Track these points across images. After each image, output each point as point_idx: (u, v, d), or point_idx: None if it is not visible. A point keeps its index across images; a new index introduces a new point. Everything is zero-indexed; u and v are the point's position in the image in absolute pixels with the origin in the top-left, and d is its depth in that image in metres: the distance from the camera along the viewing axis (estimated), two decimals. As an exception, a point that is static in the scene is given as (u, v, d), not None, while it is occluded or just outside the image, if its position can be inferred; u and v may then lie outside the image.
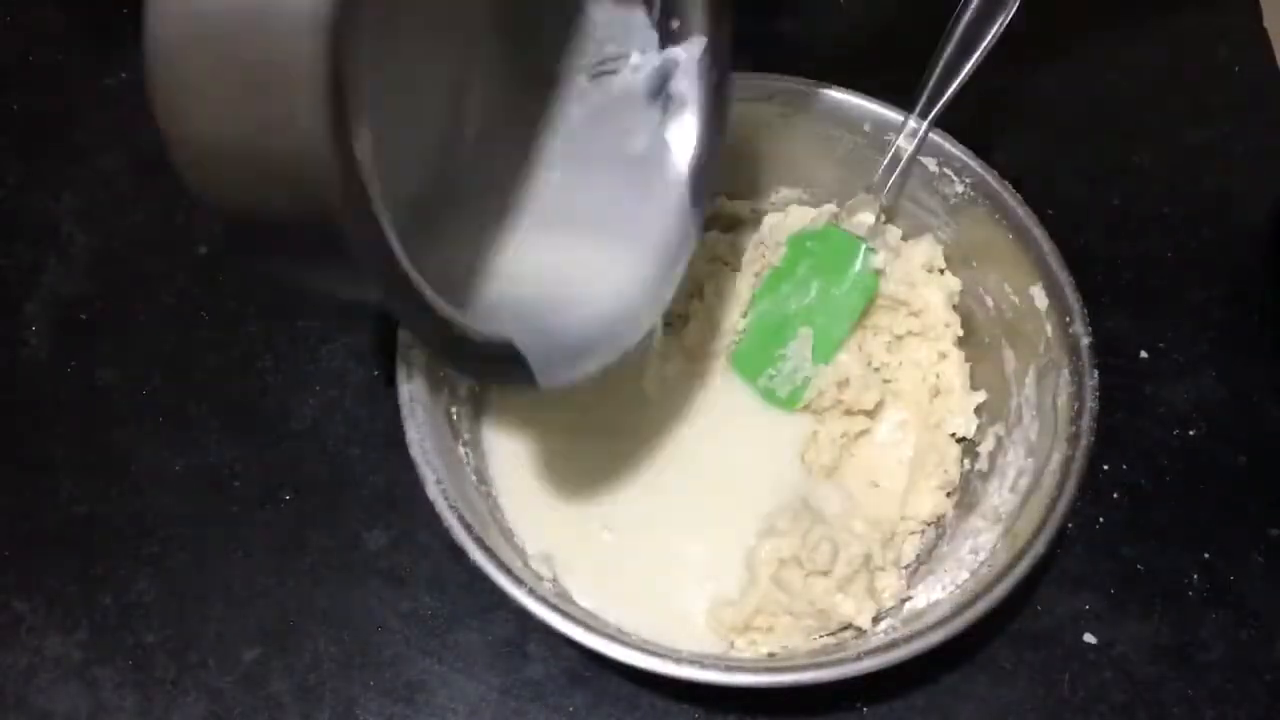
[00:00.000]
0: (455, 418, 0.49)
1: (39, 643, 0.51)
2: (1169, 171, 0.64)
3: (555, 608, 0.42)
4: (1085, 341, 0.47)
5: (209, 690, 0.50)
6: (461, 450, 0.49)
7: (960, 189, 0.51)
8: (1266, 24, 0.68)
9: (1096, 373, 0.46)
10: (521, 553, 0.48)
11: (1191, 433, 0.56)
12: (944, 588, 0.47)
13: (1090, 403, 0.45)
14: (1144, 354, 0.58)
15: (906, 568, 0.50)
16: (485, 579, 0.43)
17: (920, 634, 0.42)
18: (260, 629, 0.51)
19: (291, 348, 0.58)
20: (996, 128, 0.61)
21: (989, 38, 0.47)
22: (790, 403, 0.54)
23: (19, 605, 0.52)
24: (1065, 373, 0.47)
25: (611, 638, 0.42)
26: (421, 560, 0.53)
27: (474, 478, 0.49)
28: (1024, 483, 0.47)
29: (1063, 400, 0.46)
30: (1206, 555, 0.52)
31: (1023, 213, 0.49)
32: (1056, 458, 0.45)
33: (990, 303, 0.52)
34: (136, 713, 0.50)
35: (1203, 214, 0.62)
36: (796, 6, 0.69)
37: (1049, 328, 0.48)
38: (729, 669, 0.42)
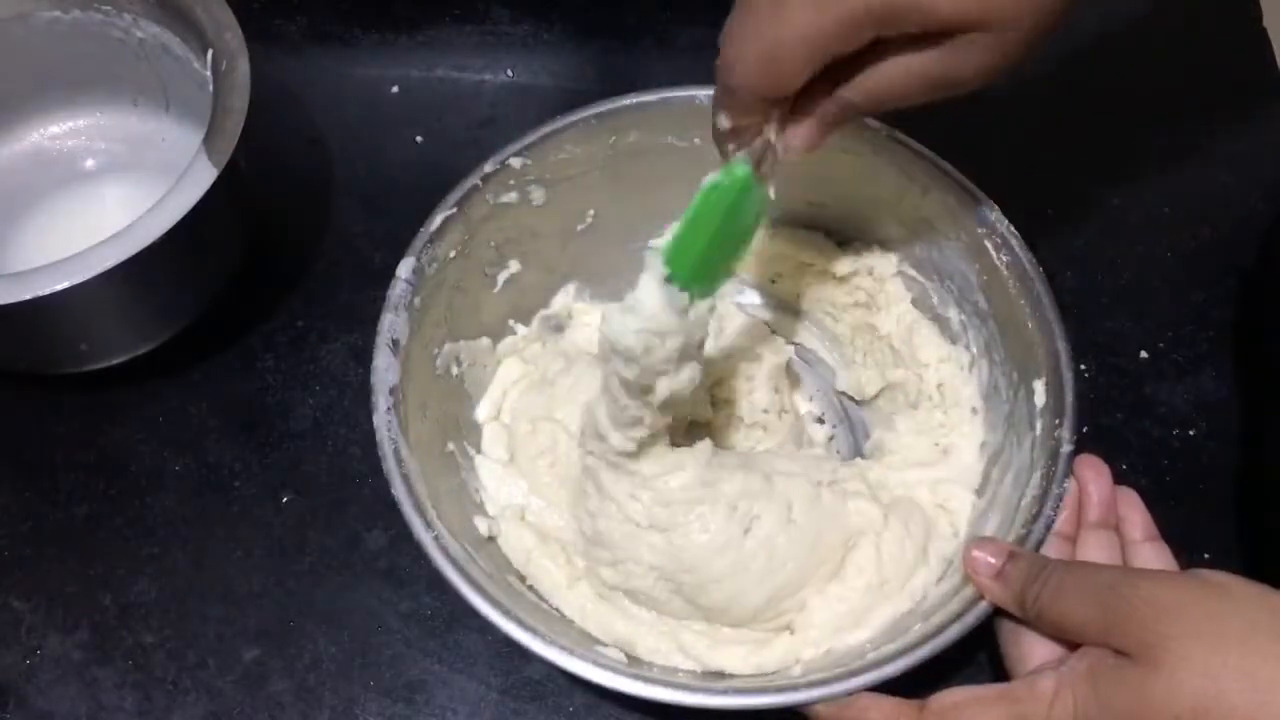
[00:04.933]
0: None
1: (39, 643, 0.51)
2: (1169, 171, 0.64)
3: (519, 621, 0.42)
4: (1066, 449, 0.45)
5: (209, 690, 0.50)
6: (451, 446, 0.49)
7: (999, 261, 0.50)
8: (1266, 24, 0.68)
9: (1067, 483, 0.45)
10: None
11: (1191, 433, 0.56)
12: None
13: (1049, 510, 0.44)
14: (1144, 354, 0.58)
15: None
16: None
17: (909, 649, 0.42)
18: (260, 629, 0.51)
19: (291, 348, 0.58)
20: (996, 129, 0.61)
21: None
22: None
23: (19, 605, 0.52)
24: (1038, 475, 0.46)
25: (564, 648, 0.42)
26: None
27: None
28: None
29: (1027, 501, 0.46)
30: (1207, 555, 0.52)
31: (1050, 309, 0.48)
32: (1011, 540, 0.45)
33: (986, 379, 0.52)
34: (136, 713, 0.50)
35: (1203, 214, 0.62)
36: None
37: (1039, 426, 0.47)
38: (692, 690, 0.42)
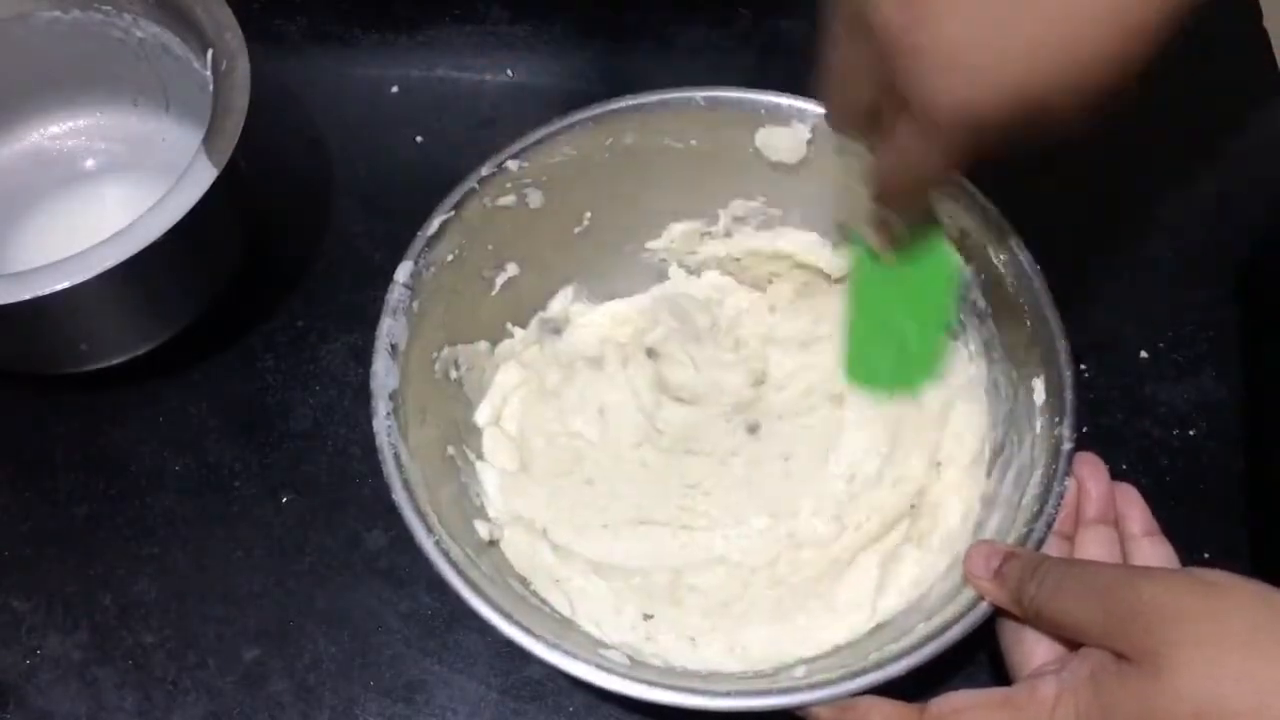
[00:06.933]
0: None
1: (39, 643, 0.51)
2: (1169, 171, 0.64)
3: (521, 625, 0.43)
4: (1066, 447, 0.45)
5: (209, 690, 0.50)
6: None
7: (997, 259, 0.50)
8: (1266, 24, 0.68)
9: (1068, 481, 0.45)
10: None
11: (1191, 433, 0.56)
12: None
13: (1050, 508, 0.44)
14: (1144, 354, 0.58)
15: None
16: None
17: (912, 650, 0.41)
18: (260, 629, 0.51)
19: (291, 348, 0.58)
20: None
21: None
22: (920, 377, 0.51)
23: (19, 605, 0.52)
24: (1039, 473, 0.46)
25: (567, 652, 0.42)
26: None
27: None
28: None
29: (1028, 499, 0.46)
30: (1206, 555, 0.52)
31: (1048, 308, 0.48)
32: (1013, 539, 0.45)
33: (985, 378, 0.52)
34: (136, 713, 0.50)
35: (1203, 214, 0.62)
36: (796, 6, 0.69)
37: (1039, 424, 0.47)
38: (693, 692, 0.42)
